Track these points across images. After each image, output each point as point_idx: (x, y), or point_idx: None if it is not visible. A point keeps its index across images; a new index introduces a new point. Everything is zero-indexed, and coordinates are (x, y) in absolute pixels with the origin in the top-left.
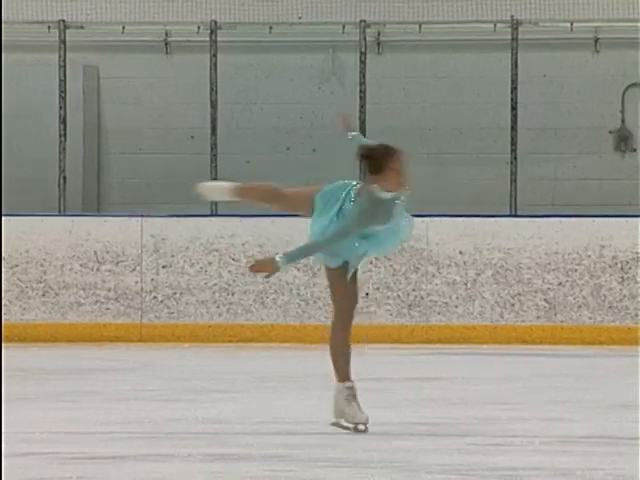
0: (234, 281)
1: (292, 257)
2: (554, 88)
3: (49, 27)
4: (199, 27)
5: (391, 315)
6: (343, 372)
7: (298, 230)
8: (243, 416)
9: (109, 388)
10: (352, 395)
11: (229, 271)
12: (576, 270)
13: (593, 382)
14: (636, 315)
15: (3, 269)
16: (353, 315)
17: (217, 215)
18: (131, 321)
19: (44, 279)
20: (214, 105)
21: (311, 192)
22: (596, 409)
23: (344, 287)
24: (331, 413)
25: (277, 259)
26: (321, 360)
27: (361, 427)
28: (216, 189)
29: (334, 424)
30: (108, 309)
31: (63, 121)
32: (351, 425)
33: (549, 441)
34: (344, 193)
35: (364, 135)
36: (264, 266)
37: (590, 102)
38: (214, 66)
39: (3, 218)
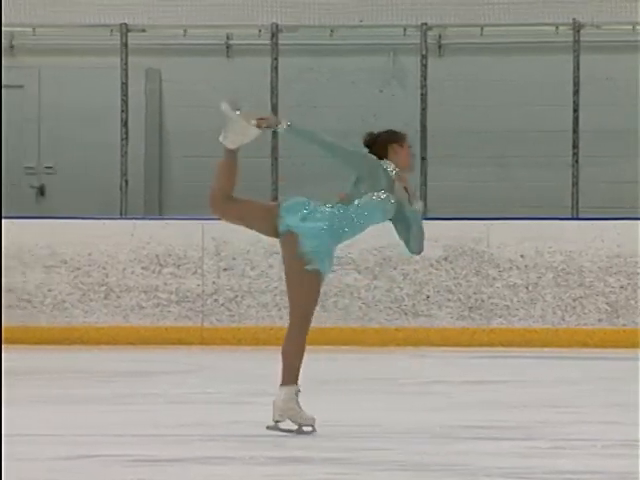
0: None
1: (297, 132)
2: (616, 90)
3: (111, 30)
4: (260, 30)
5: (452, 318)
6: (296, 374)
7: None
8: None
9: (170, 391)
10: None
11: None
12: (638, 273)
13: None
14: None
15: (66, 272)
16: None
17: None
18: (192, 324)
19: (106, 282)
20: (275, 108)
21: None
22: None
23: (316, 292)
24: (270, 415)
25: (284, 125)
26: (381, 363)
27: (309, 428)
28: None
29: (272, 427)
30: (169, 312)
31: (125, 124)
32: (296, 426)
33: (610, 444)
34: (312, 204)
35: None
36: (270, 121)
37: None
38: (275, 69)
39: (66, 221)
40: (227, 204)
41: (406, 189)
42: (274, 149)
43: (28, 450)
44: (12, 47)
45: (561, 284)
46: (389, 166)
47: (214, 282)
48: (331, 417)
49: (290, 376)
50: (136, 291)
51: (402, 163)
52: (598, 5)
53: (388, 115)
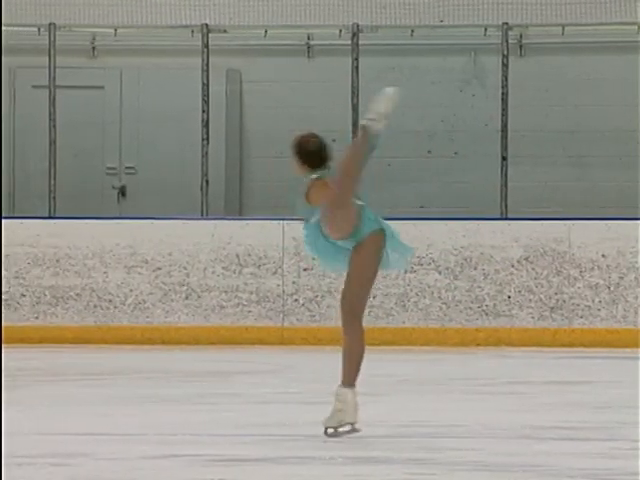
0: (375, 284)
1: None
2: None
3: (192, 31)
4: (341, 30)
5: (533, 318)
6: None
7: (439, 233)
8: (384, 419)
9: (250, 391)
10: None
11: None
12: None
13: None
14: None
15: (146, 272)
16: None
17: None
18: (273, 324)
19: (187, 282)
20: (355, 108)
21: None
22: None
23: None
24: (351, 419)
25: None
26: (462, 363)
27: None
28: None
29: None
30: (250, 312)
31: (206, 125)
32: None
33: None
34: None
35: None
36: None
37: None
38: (355, 69)
39: (147, 221)
40: None
41: None
42: None
43: (110, 449)
44: (94, 48)
45: None
46: None
47: (294, 282)
48: (411, 417)
49: (355, 376)
50: (217, 291)
51: None
52: None
53: (468, 115)
